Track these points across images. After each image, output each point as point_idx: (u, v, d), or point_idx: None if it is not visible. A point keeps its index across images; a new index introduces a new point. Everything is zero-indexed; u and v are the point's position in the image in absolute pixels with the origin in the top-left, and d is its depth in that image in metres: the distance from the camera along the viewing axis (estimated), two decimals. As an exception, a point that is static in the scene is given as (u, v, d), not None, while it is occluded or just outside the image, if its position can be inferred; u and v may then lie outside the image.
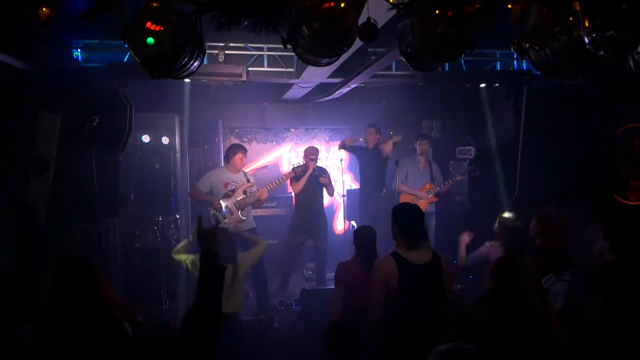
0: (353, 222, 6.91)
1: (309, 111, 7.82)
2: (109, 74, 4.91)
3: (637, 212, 5.35)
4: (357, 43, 2.69)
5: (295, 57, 4.66)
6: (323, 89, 6.70)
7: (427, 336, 2.84)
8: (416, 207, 3.32)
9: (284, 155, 8.00)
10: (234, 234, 4.86)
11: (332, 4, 2.22)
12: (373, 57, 5.07)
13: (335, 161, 7.44)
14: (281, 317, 5.47)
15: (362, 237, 3.86)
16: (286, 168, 7.74)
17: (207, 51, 4.73)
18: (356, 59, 5.08)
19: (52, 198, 4.52)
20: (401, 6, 2.52)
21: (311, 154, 6.26)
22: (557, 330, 2.51)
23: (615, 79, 4.57)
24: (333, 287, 3.95)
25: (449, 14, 2.39)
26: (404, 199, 6.37)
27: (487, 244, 4.19)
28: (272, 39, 3.30)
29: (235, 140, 7.42)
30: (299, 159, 7.69)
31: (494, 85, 5.84)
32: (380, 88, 6.79)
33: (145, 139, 6.48)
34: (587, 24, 2.21)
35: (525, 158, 5.64)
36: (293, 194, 6.46)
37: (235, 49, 5.57)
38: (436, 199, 6.60)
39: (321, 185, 6.25)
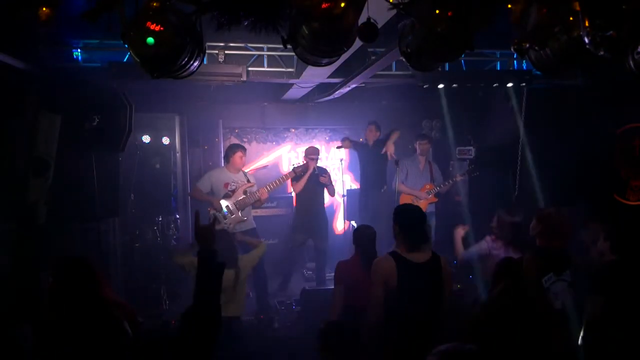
0: (353, 222, 6.91)
1: (309, 111, 7.83)
2: (109, 74, 4.91)
3: (637, 212, 5.35)
4: (357, 43, 2.69)
5: (295, 57, 4.66)
6: (323, 89, 6.70)
7: (427, 336, 2.85)
8: (419, 209, 3.31)
9: (284, 155, 8.00)
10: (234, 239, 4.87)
11: (332, 4, 2.22)
12: (373, 57, 5.07)
13: (335, 161, 7.45)
14: (281, 317, 5.47)
15: (361, 236, 3.87)
16: (286, 168, 7.74)
17: (207, 51, 4.74)
18: (356, 59, 5.08)
19: (52, 198, 4.53)
20: (401, 6, 2.52)
21: (312, 153, 6.26)
22: (557, 330, 2.51)
23: (615, 79, 4.57)
24: (333, 287, 3.95)
25: (449, 14, 2.39)
26: (404, 199, 6.37)
27: (488, 238, 4.21)
28: (272, 39, 3.30)
29: (235, 140, 7.42)
30: (299, 159, 7.70)
31: (494, 85, 5.84)
32: (380, 88, 6.79)
33: (146, 139, 6.49)
34: (587, 24, 2.21)
35: (525, 158, 5.65)
36: (294, 194, 6.46)
37: (235, 49, 5.57)
38: (436, 199, 6.60)
39: (322, 185, 6.25)
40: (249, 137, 7.80)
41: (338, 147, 6.83)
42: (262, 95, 7.34)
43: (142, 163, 6.39)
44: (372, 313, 3.00)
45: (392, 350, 2.99)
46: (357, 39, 2.55)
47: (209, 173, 5.93)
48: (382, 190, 6.58)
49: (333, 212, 7.92)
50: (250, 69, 5.62)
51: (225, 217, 5.55)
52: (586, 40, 2.27)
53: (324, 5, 2.21)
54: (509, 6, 2.56)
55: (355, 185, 7.74)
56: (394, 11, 2.61)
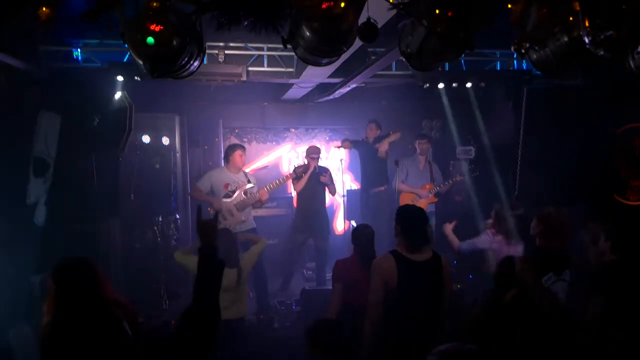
0: (353, 222, 6.91)
1: (309, 111, 7.83)
2: (109, 74, 4.92)
3: (637, 212, 5.36)
4: (357, 43, 2.69)
5: (295, 57, 4.66)
6: (323, 89, 6.70)
7: (426, 336, 2.85)
8: (421, 210, 3.28)
9: (284, 155, 8.00)
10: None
11: (332, 3, 2.22)
12: (373, 57, 5.08)
13: (336, 161, 7.45)
14: (281, 317, 5.46)
15: (360, 235, 3.87)
16: (286, 168, 7.74)
17: (207, 51, 4.74)
18: (356, 59, 5.08)
19: (52, 198, 4.53)
20: (401, 6, 2.51)
21: (313, 153, 6.26)
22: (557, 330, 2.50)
23: (615, 79, 4.57)
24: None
25: (449, 14, 2.39)
26: (405, 198, 6.37)
27: (489, 232, 4.23)
28: (272, 39, 3.30)
29: (235, 140, 7.42)
30: (299, 159, 7.71)
31: (494, 86, 5.84)
32: (380, 88, 6.79)
33: (145, 139, 6.49)
34: (587, 24, 2.22)
35: (525, 158, 5.65)
36: (294, 194, 6.46)
37: (235, 49, 5.57)
38: (436, 199, 6.60)
39: (323, 185, 6.24)
40: (249, 137, 7.81)
41: (337, 147, 6.83)
42: (262, 95, 7.34)
43: (142, 163, 6.38)
44: (371, 312, 2.99)
45: (392, 350, 2.98)
46: (357, 39, 2.55)
47: (209, 173, 5.93)
48: (383, 189, 6.58)
49: (333, 212, 7.91)
50: (250, 69, 5.63)
51: (225, 218, 5.54)
52: (586, 40, 2.27)
53: (324, 5, 2.21)
54: (509, 6, 2.56)
55: (356, 185, 7.73)
56: (394, 11, 2.60)
